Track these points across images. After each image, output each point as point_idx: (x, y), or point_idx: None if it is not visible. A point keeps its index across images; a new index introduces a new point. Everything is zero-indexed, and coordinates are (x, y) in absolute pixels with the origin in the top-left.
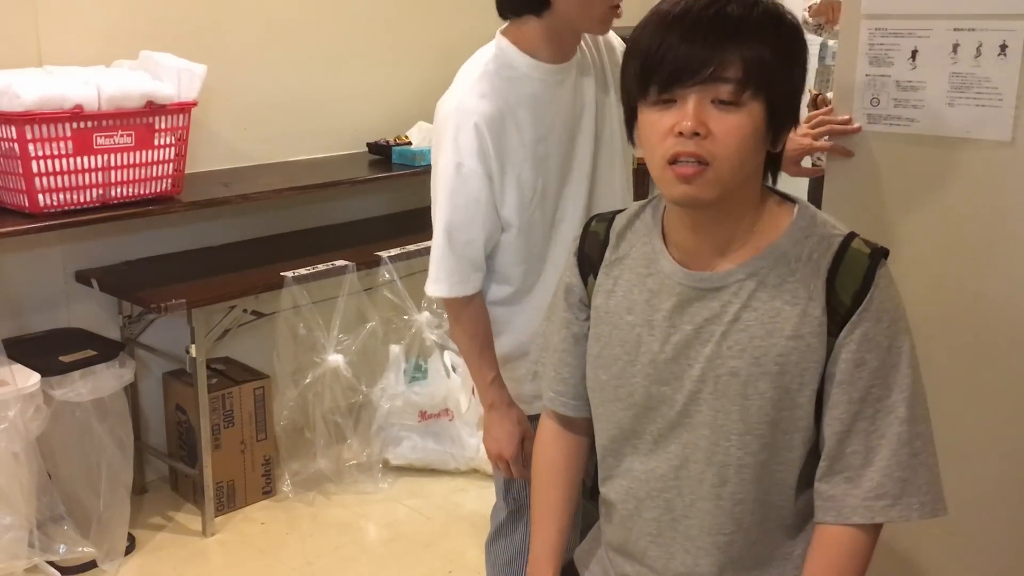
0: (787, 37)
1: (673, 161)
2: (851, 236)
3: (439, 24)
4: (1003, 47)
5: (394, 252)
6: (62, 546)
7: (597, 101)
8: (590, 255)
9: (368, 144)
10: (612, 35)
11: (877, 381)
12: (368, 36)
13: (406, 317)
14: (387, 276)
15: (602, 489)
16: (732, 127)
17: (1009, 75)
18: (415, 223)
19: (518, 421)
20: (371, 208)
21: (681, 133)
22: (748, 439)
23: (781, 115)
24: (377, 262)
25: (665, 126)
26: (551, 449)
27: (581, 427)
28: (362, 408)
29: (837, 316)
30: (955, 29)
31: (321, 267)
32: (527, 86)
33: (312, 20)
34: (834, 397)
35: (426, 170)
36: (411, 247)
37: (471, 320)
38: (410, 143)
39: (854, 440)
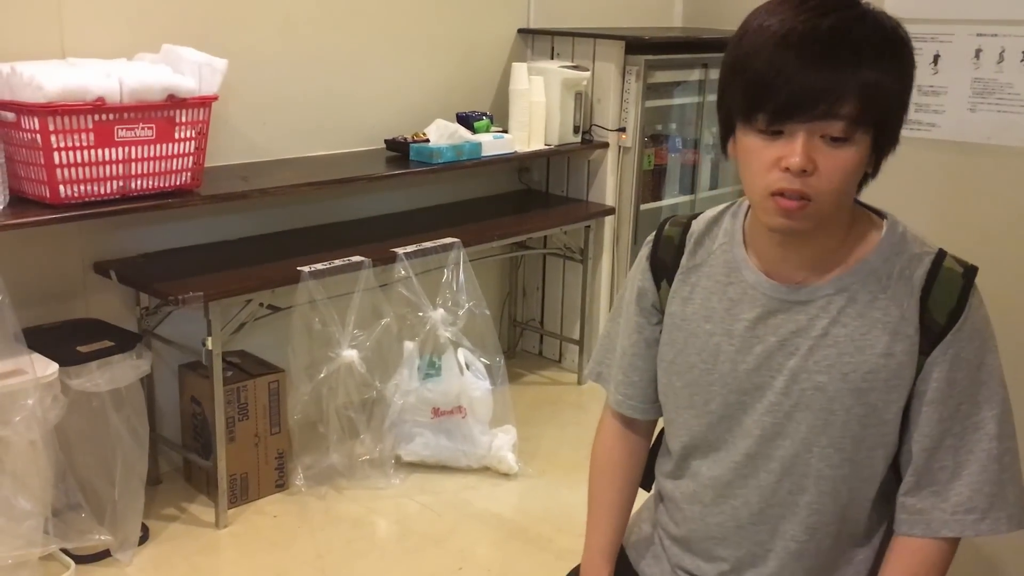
0: (904, 52)
1: (777, 193)
2: (942, 254)
3: (458, 22)
4: None
5: (410, 249)
6: (78, 533)
7: None
8: (664, 260)
9: (386, 141)
10: None
11: (967, 399)
12: (387, 33)
13: (421, 314)
14: (403, 273)
15: (668, 483)
16: (839, 164)
17: None
18: (432, 220)
19: None
20: (388, 205)
21: (788, 169)
22: (830, 452)
23: (888, 140)
24: (393, 258)
25: (770, 157)
26: (614, 449)
27: (643, 429)
28: (375, 404)
29: (931, 334)
30: (978, 34)
31: (337, 263)
32: None
33: (332, 16)
34: (924, 415)
35: (444, 167)
36: (427, 244)
37: None
38: (428, 140)
39: (942, 455)
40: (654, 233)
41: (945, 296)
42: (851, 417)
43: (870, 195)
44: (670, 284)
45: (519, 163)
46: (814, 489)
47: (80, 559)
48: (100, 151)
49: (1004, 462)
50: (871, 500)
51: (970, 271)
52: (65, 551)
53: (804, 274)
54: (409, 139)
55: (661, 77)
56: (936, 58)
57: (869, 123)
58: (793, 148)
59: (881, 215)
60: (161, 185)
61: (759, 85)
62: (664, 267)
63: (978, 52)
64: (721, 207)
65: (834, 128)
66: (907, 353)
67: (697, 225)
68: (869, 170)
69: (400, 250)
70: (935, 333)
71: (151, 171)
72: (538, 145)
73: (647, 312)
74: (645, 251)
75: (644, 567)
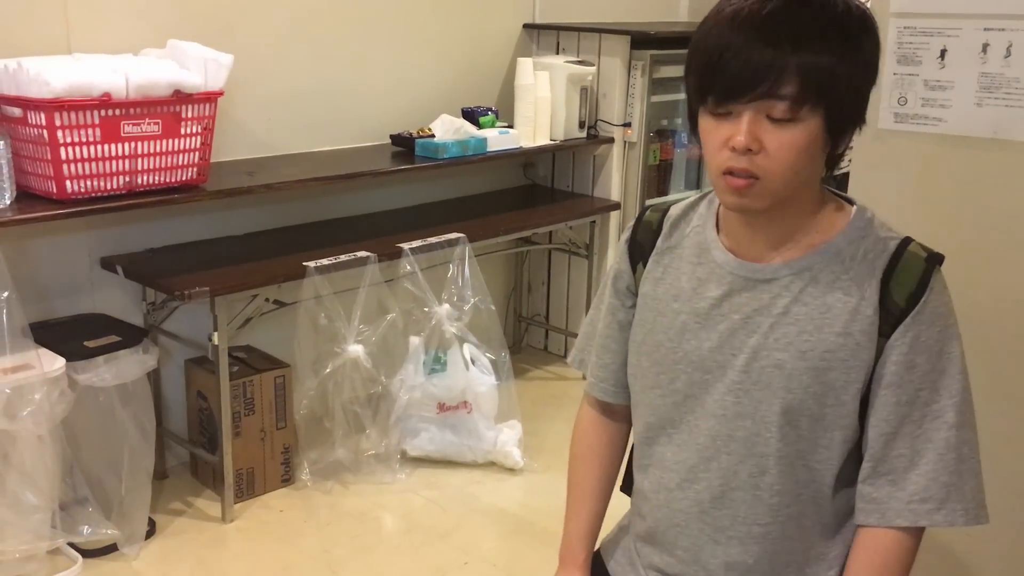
0: (855, 35)
1: (727, 172)
2: (907, 240)
3: (463, 17)
4: None
5: (415, 244)
6: (86, 527)
7: None
8: (642, 243)
9: (391, 136)
10: None
11: (926, 385)
12: (393, 28)
13: (426, 309)
14: (408, 268)
15: (637, 477)
16: (785, 143)
17: None
18: (437, 215)
19: None
20: (393, 200)
21: (734, 148)
22: (787, 430)
23: (843, 120)
24: (398, 254)
25: (721, 137)
26: (590, 435)
27: (621, 414)
28: (381, 399)
29: (890, 317)
30: (985, 29)
31: (343, 258)
32: None
33: (337, 12)
34: (881, 398)
35: (449, 163)
36: (432, 239)
37: None
38: (433, 136)
39: (900, 443)
40: (635, 218)
41: (906, 279)
42: (808, 396)
43: (876, 190)
44: (645, 266)
45: (524, 158)
46: (775, 469)
47: (87, 553)
48: (106, 146)
49: (962, 452)
50: (830, 487)
51: (934, 257)
52: (72, 545)
53: (771, 255)
54: (414, 134)
55: (667, 72)
56: (943, 52)
57: (815, 103)
58: (739, 128)
59: (850, 202)
60: (167, 180)
61: (707, 67)
62: (641, 250)
63: (985, 47)
64: (699, 194)
65: (777, 109)
66: (865, 334)
67: (675, 210)
68: (829, 149)
69: (405, 245)
70: (895, 316)
71: (157, 166)
72: (543, 140)
73: (622, 294)
74: (625, 235)
75: (621, 574)
